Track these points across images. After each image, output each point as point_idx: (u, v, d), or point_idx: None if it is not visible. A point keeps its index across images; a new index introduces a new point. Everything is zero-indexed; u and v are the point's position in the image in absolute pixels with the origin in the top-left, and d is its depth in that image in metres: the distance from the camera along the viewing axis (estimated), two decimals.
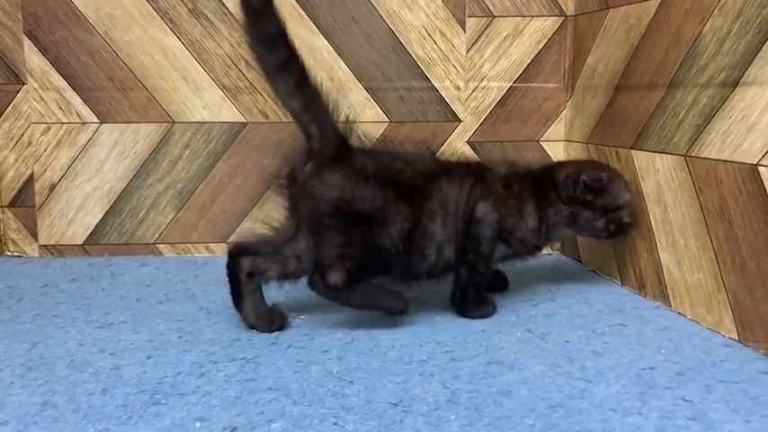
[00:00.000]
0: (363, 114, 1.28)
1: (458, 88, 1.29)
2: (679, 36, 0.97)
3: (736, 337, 0.85)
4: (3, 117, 1.26)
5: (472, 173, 0.96)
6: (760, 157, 0.81)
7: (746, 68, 0.84)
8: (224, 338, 0.86)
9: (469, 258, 0.93)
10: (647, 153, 1.03)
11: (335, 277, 0.85)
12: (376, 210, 0.87)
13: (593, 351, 0.81)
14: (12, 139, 1.27)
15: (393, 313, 0.90)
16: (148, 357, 0.80)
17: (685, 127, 0.95)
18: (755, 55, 0.83)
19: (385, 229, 0.87)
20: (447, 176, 0.93)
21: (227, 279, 0.91)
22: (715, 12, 0.90)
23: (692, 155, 0.93)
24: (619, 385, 0.72)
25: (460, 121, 1.30)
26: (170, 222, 1.30)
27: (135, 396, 0.70)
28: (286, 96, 0.88)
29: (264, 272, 0.90)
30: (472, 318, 0.93)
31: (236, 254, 0.90)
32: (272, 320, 0.90)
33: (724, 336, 0.86)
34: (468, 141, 1.30)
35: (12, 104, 1.26)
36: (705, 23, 0.91)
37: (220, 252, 1.31)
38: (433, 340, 0.85)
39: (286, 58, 0.86)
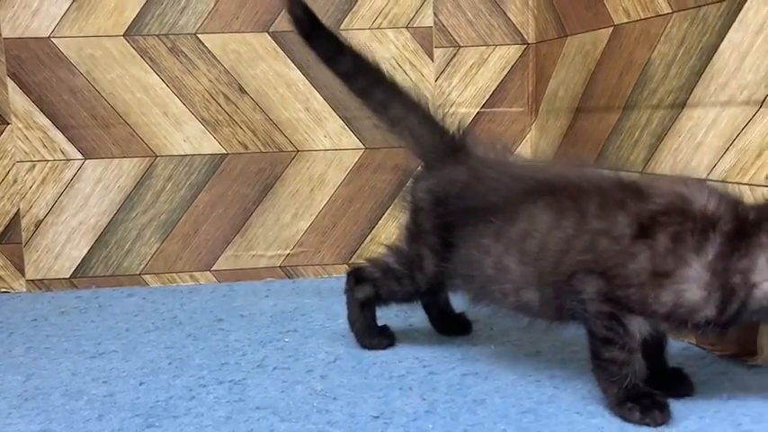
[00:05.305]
0: (340, 142, 1.34)
1: None
2: (631, 62, 1.04)
3: None
4: None
5: None
6: (707, 173, 0.87)
7: (692, 90, 0.91)
8: (212, 363, 0.90)
9: None
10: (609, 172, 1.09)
11: None
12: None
13: None
14: None
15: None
16: (140, 384, 0.84)
17: (640, 146, 1.01)
18: (699, 78, 0.90)
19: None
20: None
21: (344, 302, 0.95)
22: (662, 39, 0.97)
23: (648, 172, 0.99)
24: None
25: None
26: (155, 253, 1.34)
27: (130, 420, 0.73)
28: (379, 109, 0.97)
29: (380, 297, 0.92)
30: None
31: (354, 280, 0.93)
32: (385, 336, 0.94)
33: None
34: None
35: None
36: (653, 50, 0.99)
37: (204, 280, 1.35)
38: (412, 356, 0.90)
39: (353, 66, 0.93)
